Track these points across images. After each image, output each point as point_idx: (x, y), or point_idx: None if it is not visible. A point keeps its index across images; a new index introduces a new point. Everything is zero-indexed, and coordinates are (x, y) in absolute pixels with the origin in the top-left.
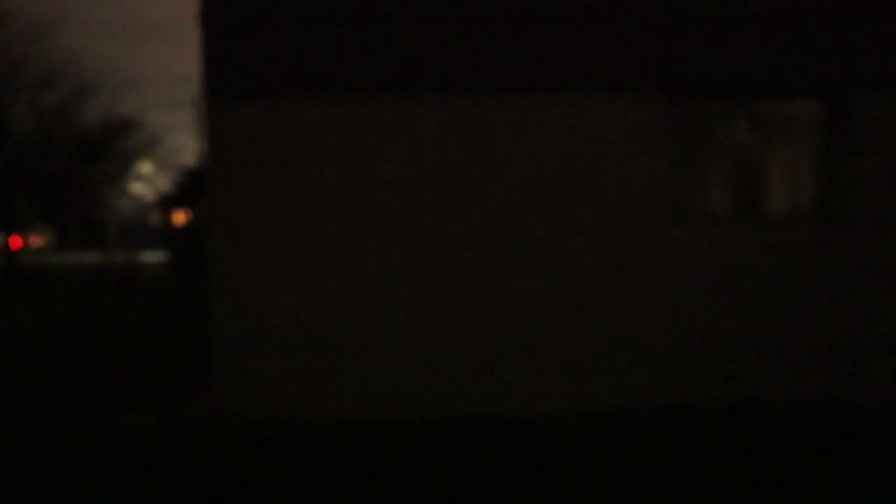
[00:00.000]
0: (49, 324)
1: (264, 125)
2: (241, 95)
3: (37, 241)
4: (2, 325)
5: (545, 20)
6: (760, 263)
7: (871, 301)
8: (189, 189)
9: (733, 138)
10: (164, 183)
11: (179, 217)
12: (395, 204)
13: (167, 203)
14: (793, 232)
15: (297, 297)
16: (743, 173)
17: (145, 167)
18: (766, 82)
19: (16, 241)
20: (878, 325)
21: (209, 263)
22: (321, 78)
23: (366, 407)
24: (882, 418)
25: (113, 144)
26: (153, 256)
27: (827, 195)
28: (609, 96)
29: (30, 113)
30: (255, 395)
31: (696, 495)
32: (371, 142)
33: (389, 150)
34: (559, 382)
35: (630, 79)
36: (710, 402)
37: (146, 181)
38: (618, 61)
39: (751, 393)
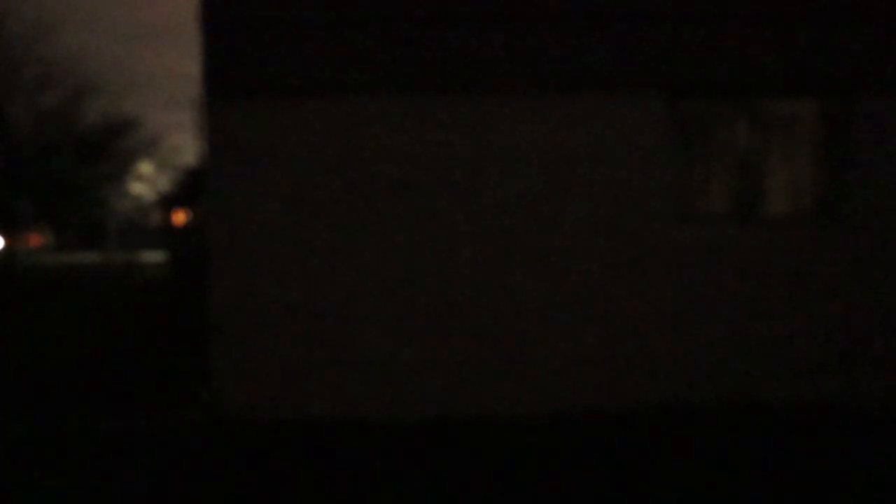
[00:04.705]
0: (48, 324)
1: (264, 125)
2: (240, 95)
3: (37, 241)
4: (1, 325)
5: (545, 21)
6: (760, 263)
7: (872, 301)
8: (189, 189)
9: (733, 138)
10: (164, 183)
11: (179, 217)
12: (394, 204)
13: (167, 203)
14: (793, 232)
15: (296, 298)
16: (743, 173)
17: (145, 167)
18: (767, 82)
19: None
20: (878, 324)
21: (209, 263)
22: (321, 78)
23: (366, 407)
24: (882, 418)
25: (113, 144)
26: (153, 256)
27: (827, 195)
28: (610, 97)
29: (30, 113)
30: (255, 395)
31: (696, 495)
32: (371, 142)
33: (389, 150)
34: (559, 382)
35: (630, 79)
36: (710, 402)
37: (146, 181)
38: (618, 62)
39: (751, 393)
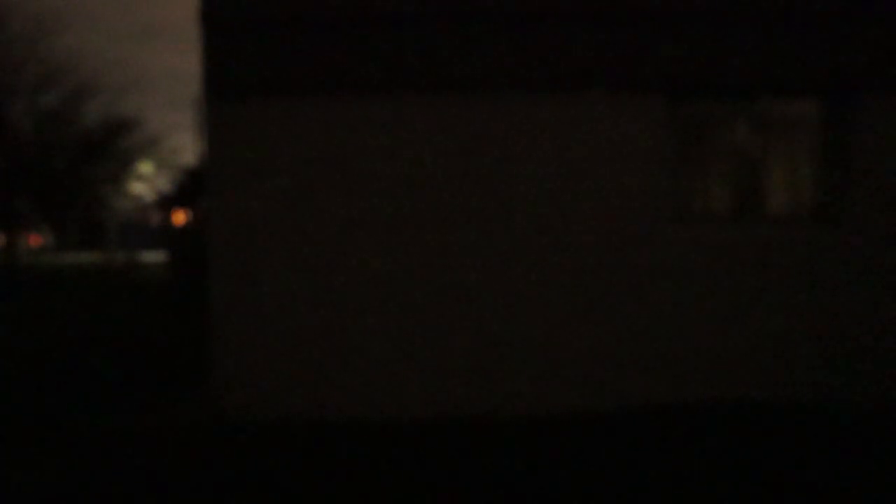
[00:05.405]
0: (48, 323)
1: (264, 125)
2: (241, 95)
3: (37, 241)
4: (1, 324)
5: (545, 20)
6: (760, 263)
7: (870, 301)
8: (189, 189)
9: (733, 138)
10: (164, 183)
11: (179, 217)
12: (394, 204)
13: (167, 203)
14: (792, 232)
15: (296, 297)
16: (743, 173)
17: (145, 167)
18: (766, 82)
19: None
20: (877, 324)
21: (209, 263)
22: (321, 78)
23: (366, 407)
24: (882, 418)
25: (113, 144)
26: (153, 256)
27: (826, 195)
28: (610, 97)
29: (30, 113)
30: (255, 395)
31: (696, 495)
32: (371, 142)
33: (389, 151)
34: (558, 382)
35: (630, 79)
36: (710, 401)
37: (146, 181)
38: (618, 62)
39: (751, 393)
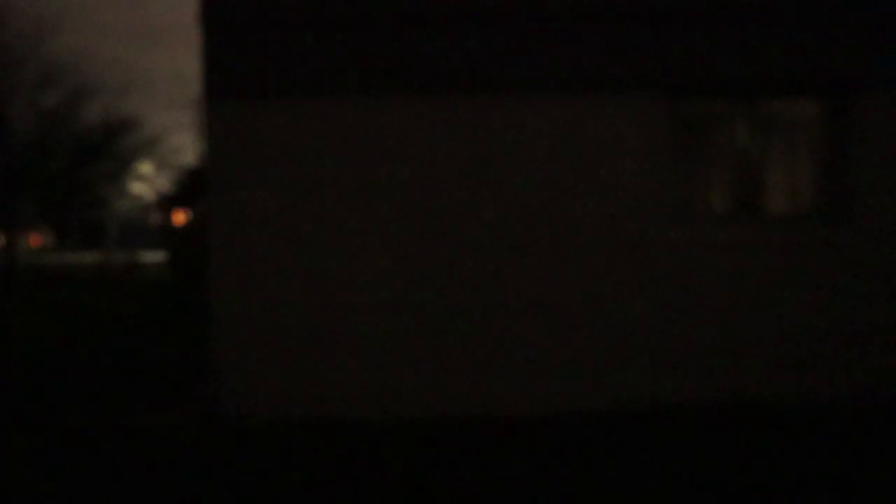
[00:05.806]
0: (48, 323)
1: (264, 125)
2: (240, 95)
3: (37, 241)
4: (1, 324)
5: (545, 21)
6: (761, 263)
7: (872, 301)
8: (189, 189)
9: (733, 138)
10: (164, 183)
11: (179, 217)
12: (394, 204)
13: (167, 203)
14: (793, 232)
15: (296, 297)
16: (743, 173)
17: (145, 167)
18: (766, 82)
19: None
20: (878, 324)
21: (208, 263)
22: (321, 78)
23: (365, 407)
24: (882, 418)
25: (113, 144)
26: (153, 256)
27: (827, 195)
28: (610, 97)
29: (30, 113)
30: (254, 395)
31: (696, 495)
32: (371, 142)
33: (389, 151)
34: (559, 382)
35: (631, 79)
36: (711, 401)
37: (146, 181)
38: (618, 62)
39: (751, 393)
